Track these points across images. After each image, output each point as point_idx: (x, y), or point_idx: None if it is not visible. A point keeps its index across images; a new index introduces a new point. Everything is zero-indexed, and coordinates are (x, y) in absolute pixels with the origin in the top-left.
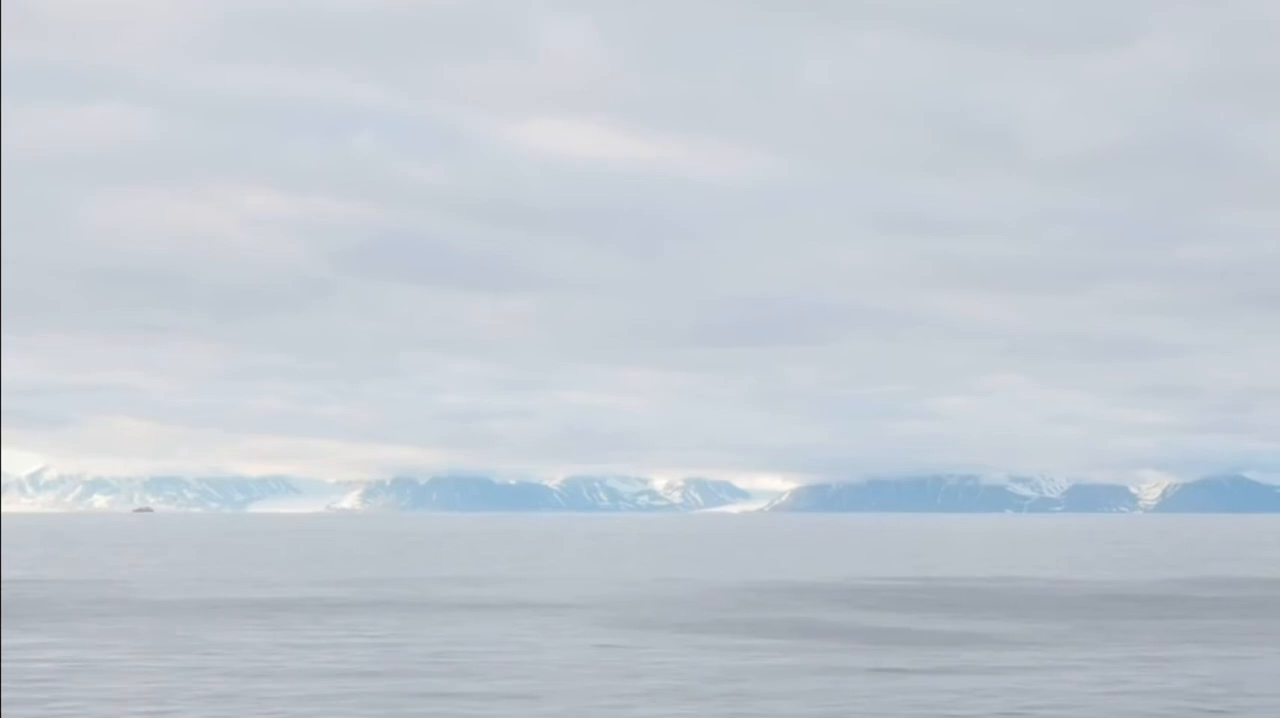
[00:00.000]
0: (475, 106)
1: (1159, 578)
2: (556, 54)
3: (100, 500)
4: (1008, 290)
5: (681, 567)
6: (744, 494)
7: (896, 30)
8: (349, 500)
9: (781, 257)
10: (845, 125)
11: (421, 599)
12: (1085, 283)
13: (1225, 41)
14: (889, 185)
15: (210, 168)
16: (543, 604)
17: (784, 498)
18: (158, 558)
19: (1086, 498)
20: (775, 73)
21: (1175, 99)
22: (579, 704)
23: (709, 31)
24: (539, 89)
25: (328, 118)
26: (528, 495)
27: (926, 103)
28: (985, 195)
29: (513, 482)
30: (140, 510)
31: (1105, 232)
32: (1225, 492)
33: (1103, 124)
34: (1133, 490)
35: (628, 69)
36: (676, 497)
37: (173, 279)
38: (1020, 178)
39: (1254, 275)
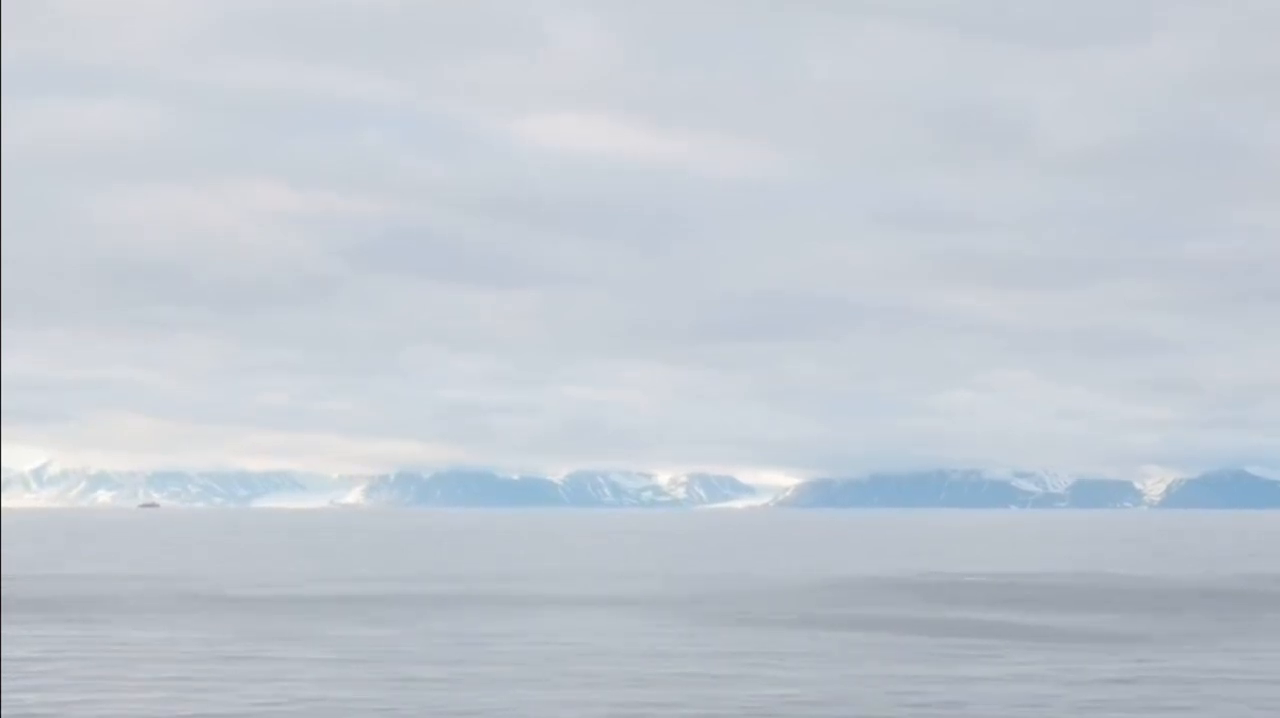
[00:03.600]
0: (481, 102)
1: (1223, 574)
2: (562, 50)
3: (104, 496)
4: (1011, 286)
5: (737, 562)
6: (748, 489)
7: (900, 27)
8: (353, 496)
9: (785, 253)
10: (849, 122)
11: (491, 595)
12: (1089, 279)
13: (1231, 39)
14: (892, 182)
15: (214, 164)
16: (616, 600)
17: (788, 493)
18: (202, 553)
19: (1090, 493)
20: (780, 69)
21: (1180, 96)
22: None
23: (713, 28)
24: (544, 85)
25: (333, 114)
26: (531, 491)
27: (930, 99)
28: (989, 192)
29: (516, 477)
30: (146, 506)
31: (1109, 228)
32: (1228, 487)
33: (1107, 121)
34: (1137, 486)
35: (632, 66)
36: (680, 492)
37: (176, 275)
38: (1024, 174)
39: (1258, 272)
